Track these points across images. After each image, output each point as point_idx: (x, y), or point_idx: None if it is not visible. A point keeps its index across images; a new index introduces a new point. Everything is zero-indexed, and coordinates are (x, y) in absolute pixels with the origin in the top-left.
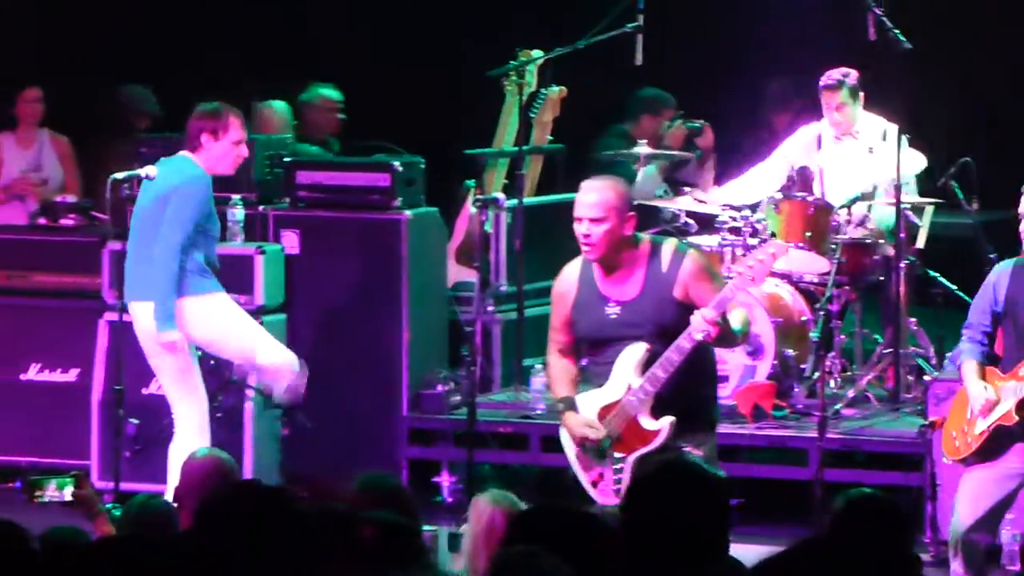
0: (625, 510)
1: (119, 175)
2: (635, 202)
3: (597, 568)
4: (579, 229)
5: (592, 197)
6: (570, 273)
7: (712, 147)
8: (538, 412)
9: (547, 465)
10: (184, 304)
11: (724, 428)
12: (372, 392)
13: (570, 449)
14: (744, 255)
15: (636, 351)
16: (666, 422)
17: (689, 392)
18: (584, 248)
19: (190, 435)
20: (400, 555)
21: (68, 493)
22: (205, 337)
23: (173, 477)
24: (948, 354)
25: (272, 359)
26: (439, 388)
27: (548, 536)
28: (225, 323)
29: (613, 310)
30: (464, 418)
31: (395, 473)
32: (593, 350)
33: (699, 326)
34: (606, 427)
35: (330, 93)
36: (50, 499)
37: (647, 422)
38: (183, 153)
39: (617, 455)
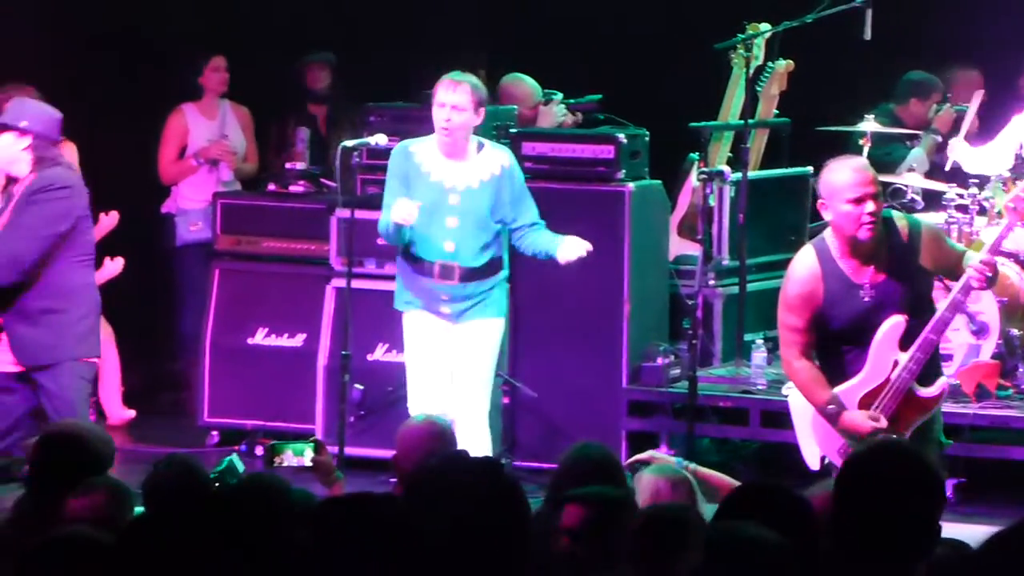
0: (837, 490)
1: (349, 143)
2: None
3: (803, 547)
4: (866, 209)
5: (870, 173)
6: (807, 269)
7: (976, 131)
8: (759, 387)
9: (767, 440)
10: None
11: (947, 407)
12: (592, 364)
13: (814, 442)
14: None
15: (895, 326)
16: (943, 382)
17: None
18: (870, 228)
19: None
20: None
21: (308, 458)
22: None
23: None
24: None
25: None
26: (659, 361)
27: (761, 512)
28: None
29: (867, 295)
30: (684, 391)
31: (614, 445)
32: (847, 341)
33: (978, 275)
34: (880, 411)
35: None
36: (288, 464)
37: (923, 390)
38: None
39: (894, 436)
